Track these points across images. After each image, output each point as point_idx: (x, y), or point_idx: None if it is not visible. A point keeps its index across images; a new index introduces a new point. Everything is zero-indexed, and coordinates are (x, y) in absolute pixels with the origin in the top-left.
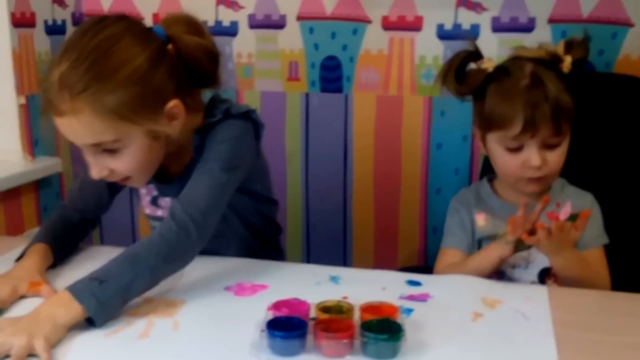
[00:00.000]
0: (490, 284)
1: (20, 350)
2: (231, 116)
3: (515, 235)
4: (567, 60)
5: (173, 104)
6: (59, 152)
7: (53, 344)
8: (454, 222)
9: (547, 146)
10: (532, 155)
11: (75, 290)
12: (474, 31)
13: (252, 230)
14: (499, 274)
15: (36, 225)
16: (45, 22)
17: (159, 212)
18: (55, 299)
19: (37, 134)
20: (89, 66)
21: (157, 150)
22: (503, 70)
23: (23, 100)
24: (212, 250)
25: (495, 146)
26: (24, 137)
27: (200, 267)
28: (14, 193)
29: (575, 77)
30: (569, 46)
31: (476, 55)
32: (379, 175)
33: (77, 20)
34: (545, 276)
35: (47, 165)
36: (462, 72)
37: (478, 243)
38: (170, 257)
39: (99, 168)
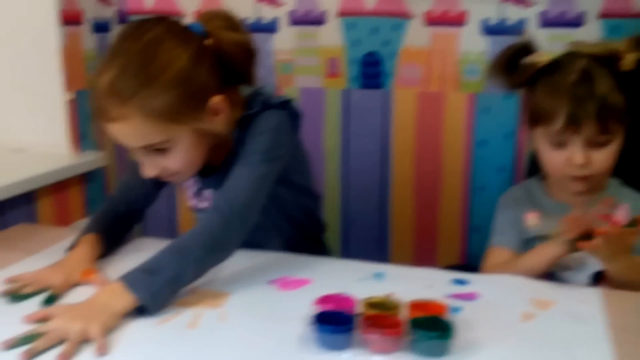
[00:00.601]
0: (540, 285)
1: (76, 335)
2: (269, 107)
3: (571, 236)
4: (629, 58)
5: (216, 100)
6: (103, 147)
7: (107, 331)
8: (504, 219)
9: (593, 144)
10: (575, 152)
11: (128, 280)
12: (520, 26)
13: (292, 223)
14: (548, 276)
15: (83, 216)
16: (92, 20)
17: (203, 204)
18: (109, 289)
19: (83, 129)
20: (136, 72)
21: (203, 145)
22: (554, 65)
23: (71, 96)
24: (253, 242)
25: (541, 141)
26: (71, 132)
27: (243, 261)
28: (61, 186)
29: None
30: (638, 43)
31: (529, 48)
32: (419, 173)
33: (121, 18)
34: (598, 279)
35: (92, 159)
36: (513, 65)
37: (527, 243)
38: (215, 248)
39: (150, 167)
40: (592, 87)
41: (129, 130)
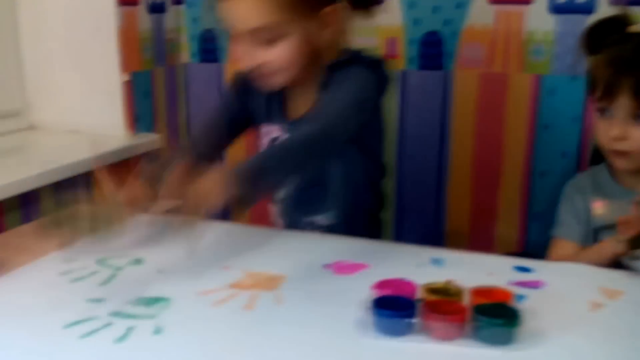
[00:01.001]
0: (608, 274)
1: (186, 209)
2: (360, 60)
3: (627, 235)
4: None
5: (330, 9)
6: (158, 129)
7: (207, 215)
8: (567, 210)
9: (633, 118)
10: (613, 124)
11: (232, 174)
12: (591, 5)
13: (354, 190)
14: (615, 265)
15: None
16: (148, 1)
17: None
18: (212, 178)
19: (139, 111)
20: None
21: (304, 53)
22: (626, 37)
23: (127, 77)
24: (309, 206)
25: (594, 112)
26: (127, 114)
27: (297, 244)
28: (117, 167)
29: None
30: None
31: (623, 21)
32: (478, 156)
33: None
34: None
35: (147, 141)
36: (602, 38)
37: (595, 232)
38: (312, 153)
39: (251, 58)
40: (636, 59)
41: (245, 8)
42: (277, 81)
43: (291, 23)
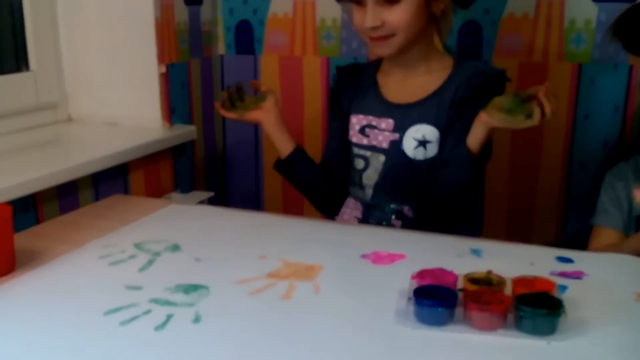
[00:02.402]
0: None
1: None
2: (491, 76)
3: None
4: None
5: None
6: (193, 121)
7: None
8: (608, 198)
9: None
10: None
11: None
12: None
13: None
14: None
15: (172, 189)
16: None
17: (365, 141)
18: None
19: (174, 103)
20: None
21: (420, 18)
22: None
23: (164, 69)
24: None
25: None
26: (163, 105)
27: (334, 234)
28: (153, 158)
29: None
30: None
31: None
32: (516, 146)
33: None
34: None
35: (183, 132)
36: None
37: (637, 221)
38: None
39: (374, 17)
40: None
41: None
42: (395, 43)
43: None
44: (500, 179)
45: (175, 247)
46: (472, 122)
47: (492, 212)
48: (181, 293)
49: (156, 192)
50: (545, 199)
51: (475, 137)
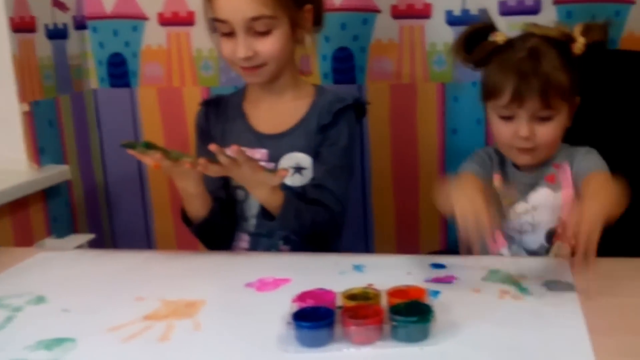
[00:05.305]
0: (513, 262)
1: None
2: (350, 106)
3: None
4: (580, 42)
5: (309, 7)
6: (66, 160)
7: None
8: (473, 162)
9: (537, 119)
10: (520, 125)
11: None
12: (483, 16)
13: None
14: (508, 239)
15: (46, 235)
16: (46, 26)
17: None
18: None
19: (42, 142)
20: None
21: (291, 48)
22: (508, 43)
23: (26, 108)
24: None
25: (492, 115)
26: (28, 146)
27: (218, 265)
28: (21, 203)
29: (592, 59)
30: (587, 29)
31: (489, 28)
32: (396, 163)
33: (79, 23)
34: (551, 237)
35: (54, 173)
36: (474, 44)
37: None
38: (318, 233)
39: (246, 48)
40: (537, 65)
41: None
42: (267, 71)
43: (281, 17)
44: (385, 196)
45: (40, 299)
46: (334, 146)
47: (382, 227)
48: (42, 350)
49: (27, 239)
50: (428, 211)
51: None
